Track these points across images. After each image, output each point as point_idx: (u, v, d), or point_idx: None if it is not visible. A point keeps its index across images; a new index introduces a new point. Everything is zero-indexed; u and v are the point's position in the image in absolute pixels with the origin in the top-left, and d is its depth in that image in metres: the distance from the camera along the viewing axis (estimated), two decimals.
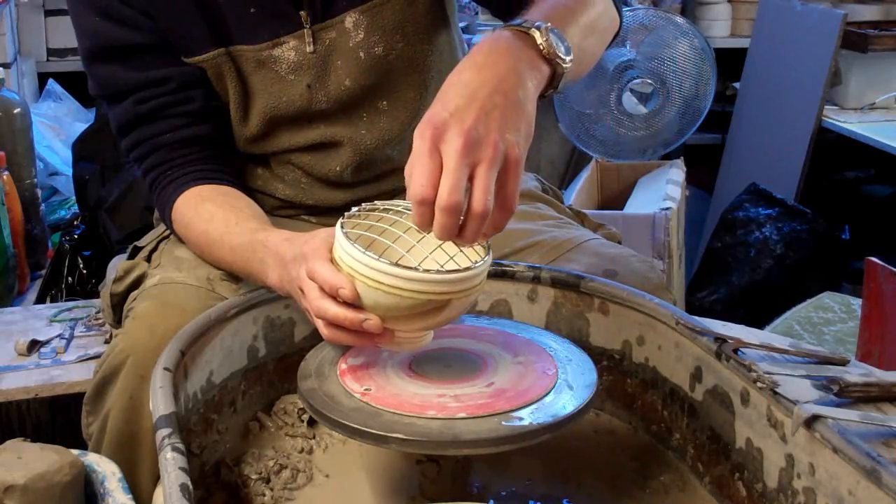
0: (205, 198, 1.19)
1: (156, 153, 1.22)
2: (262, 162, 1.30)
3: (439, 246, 0.96)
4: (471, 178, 0.82)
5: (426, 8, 1.26)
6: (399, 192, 1.29)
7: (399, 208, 0.97)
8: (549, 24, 0.93)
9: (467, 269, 0.88)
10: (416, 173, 0.83)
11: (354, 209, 0.96)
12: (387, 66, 1.25)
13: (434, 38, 1.29)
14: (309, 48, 1.22)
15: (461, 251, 0.95)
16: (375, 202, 0.98)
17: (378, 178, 1.30)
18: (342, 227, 0.92)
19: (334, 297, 0.90)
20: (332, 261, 0.92)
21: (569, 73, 0.95)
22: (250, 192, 1.29)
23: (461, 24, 2.54)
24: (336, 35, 1.22)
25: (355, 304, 0.89)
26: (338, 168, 1.27)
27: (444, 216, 0.82)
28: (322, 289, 0.91)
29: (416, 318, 0.90)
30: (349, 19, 1.22)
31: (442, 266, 0.94)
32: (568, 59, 0.93)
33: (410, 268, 0.87)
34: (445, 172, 0.82)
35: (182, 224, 1.20)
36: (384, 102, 1.26)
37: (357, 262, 0.88)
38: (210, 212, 1.17)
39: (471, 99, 0.84)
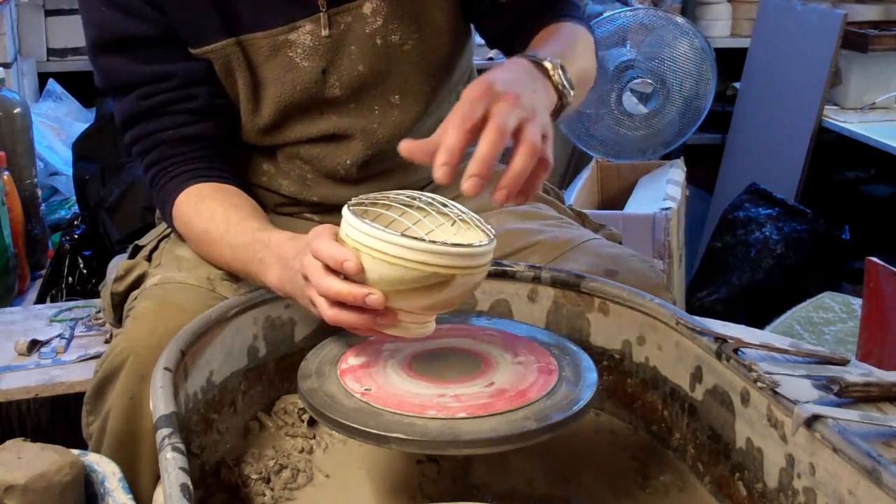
0: (205, 196, 1.19)
1: (157, 149, 1.22)
2: (268, 157, 1.30)
3: (441, 225, 0.96)
4: (515, 135, 0.90)
5: (440, 3, 1.26)
6: (405, 187, 1.29)
7: (403, 198, 0.97)
8: (559, 60, 1.03)
9: (473, 245, 0.88)
10: (461, 110, 0.89)
11: (362, 196, 0.96)
12: (402, 55, 1.25)
13: (450, 35, 1.29)
14: (324, 32, 1.21)
15: (462, 233, 0.95)
16: (386, 192, 0.98)
17: (384, 174, 1.31)
18: (348, 206, 0.92)
19: (338, 273, 0.90)
20: (338, 240, 0.92)
21: (568, 108, 1.05)
22: (254, 188, 1.29)
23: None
24: (352, 20, 1.22)
25: (359, 280, 0.89)
26: (348, 161, 1.27)
27: (488, 147, 0.87)
28: (326, 266, 0.91)
29: (420, 294, 0.89)
30: (368, 6, 1.22)
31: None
32: (572, 94, 1.03)
33: (416, 238, 0.87)
34: (494, 115, 0.89)
35: (182, 222, 1.20)
36: (396, 96, 1.27)
37: (362, 233, 0.88)
38: (211, 210, 1.17)
39: (512, 83, 0.94)
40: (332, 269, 0.91)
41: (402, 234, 0.87)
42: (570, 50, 1.13)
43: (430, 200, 0.97)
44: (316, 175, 1.29)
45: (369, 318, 0.91)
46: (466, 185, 0.87)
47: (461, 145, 0.88)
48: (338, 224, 0.96)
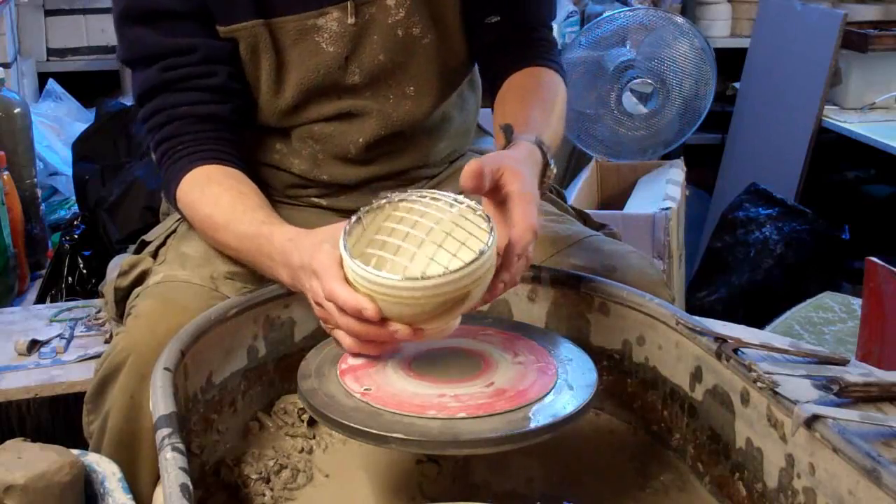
0: (212, 179, 1.19)
1: (171, 125, 1.23)
2: (282, 137, 1.32)
3: (449, 235, 0.97)
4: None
5: (454, 5, 1.30)
6: (410, 170, 1.33)
7: (398, 215, 0.97)
8: (554, 166, 1.12)
9: (480, 254, 0.89)
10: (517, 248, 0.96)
11: (354, 217, 0.96)
12: (421, 48, 1.28)
13: (463, 36, 1.33)
14: (350, 20, 1.25)
15: (469, 235, 0.96)
16: (376, 206, 0.98)
17: (392, 154, 1.32)
18: (345, 245, 0.92)
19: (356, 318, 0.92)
20: (347, 279, 0.92)
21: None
22: (265, 167, 1.31)
23: None
24: (376, 11, 1.26)
25: (379, 321, 0.91)
26: (360, 139, 1.29)
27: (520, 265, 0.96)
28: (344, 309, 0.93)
29: (442, 316, 0.91)
30: None
31: (454, 254, 0.95)
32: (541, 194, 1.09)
33: (426, 277, 0.87)
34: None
35: (186, 203, 1.20)
36: (411, 88, 1.30)
37: (373, 283, 0.88)
38: (216, 195, 1.17)
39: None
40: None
41: (410, 277, 0.88)
42: (550, 115, 1.22)
43: (420, 201, 0.97)
44: (326, 155, 1.31)
45: (396, 344, 0.95)
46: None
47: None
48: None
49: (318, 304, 0.97)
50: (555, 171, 1.12)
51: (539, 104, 1.23)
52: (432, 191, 0.98)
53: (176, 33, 1.22)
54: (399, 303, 0.88)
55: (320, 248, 0.96)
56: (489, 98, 1.35)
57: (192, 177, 1.20)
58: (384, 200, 0.97)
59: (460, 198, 0.97)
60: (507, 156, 1.04)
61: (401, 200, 0.97)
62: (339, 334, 0.96)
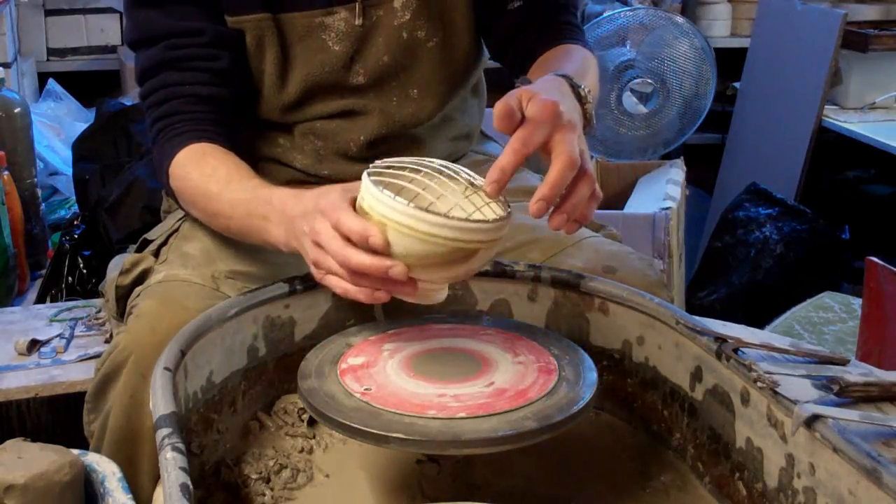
0: (207, 154, 1.19)
1: (170, 102, 1.23)
2: (284, 132, 1.32)
3: (466, 197, 0.97)
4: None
5: (462, 6, 1.31)
6: None
7: (419, 167, 0.97)
8: (589, 89, 1.06)
9: (501, 218, 0.90)
10: (525, 132, 0.92)
11: (378, 162, 0.96)
12: (425, 51, 1.29)
13: (470, 39, 1.33)
14: (358, 21, 1.26)
15: (485, 203, 0.97)
16: (402, 159, 0.98)
17: (392, 152, 1.31)
18: (368, 175, 0.92)
19: (360, 246, 0.90)
20: (357, 211, 0.92)
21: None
22: (267, 162, 1.32)
23: None
24: (383, 13, 1.27)
25: (382, 252, 0.90)
26: (361, 137, 1.29)
27: (559, 175, 0.92)
28: (347, 238, 0.91)
29: (444, 267, 0.91)
30: (399, 0, 1.26)
31: (469, 216, 0.95)
32: (594, 124, 1.07)
33: (448, 216, 0.88)
34: (562, 143, 0.93)
35: (179, 175, 1.19)
36: (415, 91, 1.30)
37: (391, 209, 0.88)
38: (212, 166, 1.17)
39: (569, 111, 0.97)
40: (351, 240, 0.91)
41: (432, 211, 0.88)
42: (582, 70, 1.16)
43: (439, 168, 0.98)
44: (328, 151, 1.31)
45: (388, 287, 0.92)
46: (534, 207, 0.91)
47: (516, 167, 0.92)
48: None
49: (317, 244, 0.95)
50: (590, 95, 1.07)
51: (569, 63, 1.19)
52: (445, 163, 0.98)
53: (185, 17, 1.23)
54: (412, 235, 0.88)
55: (329, 190, 0.97)
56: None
57: (188, 151, 1.19)
58: (409, 161, 0.97)
59: (475, 175, 0.97)
60: (522, 88, 1.00)
61: (406, 169, 0.97)
62: (331, 279, 0.94)
